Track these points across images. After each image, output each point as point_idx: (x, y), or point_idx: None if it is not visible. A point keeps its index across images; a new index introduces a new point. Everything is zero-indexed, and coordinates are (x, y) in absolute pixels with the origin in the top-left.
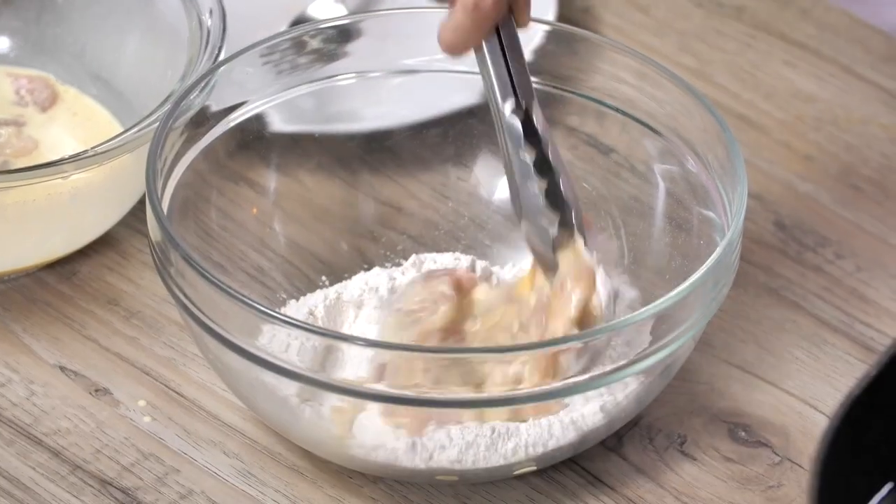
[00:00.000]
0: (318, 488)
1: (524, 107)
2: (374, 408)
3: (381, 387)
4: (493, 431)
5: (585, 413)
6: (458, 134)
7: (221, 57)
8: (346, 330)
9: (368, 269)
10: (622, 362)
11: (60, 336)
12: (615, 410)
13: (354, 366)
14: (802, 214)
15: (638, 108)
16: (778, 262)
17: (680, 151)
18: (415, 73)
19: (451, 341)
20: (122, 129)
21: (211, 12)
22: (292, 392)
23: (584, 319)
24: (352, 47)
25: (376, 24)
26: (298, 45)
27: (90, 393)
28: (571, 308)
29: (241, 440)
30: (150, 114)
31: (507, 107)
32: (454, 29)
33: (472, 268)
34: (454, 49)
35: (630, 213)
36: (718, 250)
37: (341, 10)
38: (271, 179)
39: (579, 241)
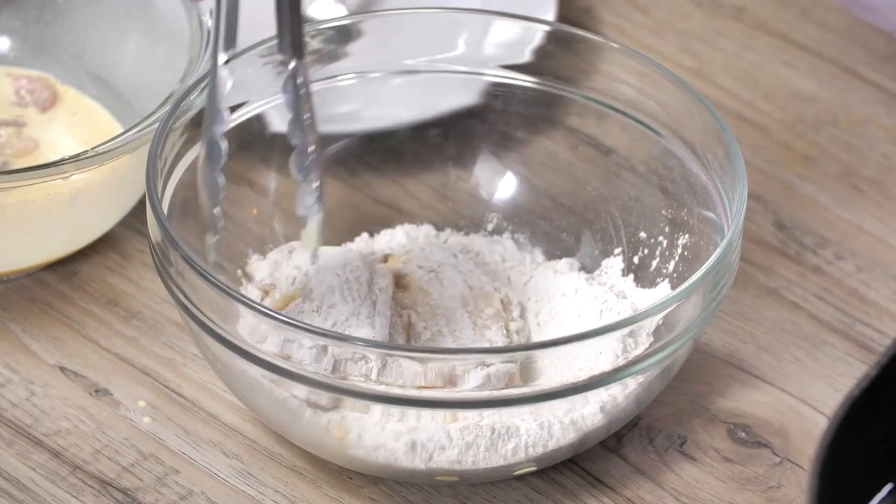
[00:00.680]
0: (317, 489)
1: (293, 61)
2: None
3: (381, 387)
4: (493, 432)
5: (585, 413)
6: (459, 134)
7: None
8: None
9: None
10: (622, 363)
11: (60, 336)
12: (615, 411)
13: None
14: (802, 215)
15: (638, 108)
16: (778, 263)
17: (680, 152)
18: (415, 73)
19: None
20: (122, 130)
21: (211, 13)
22: (292, 393)
23: None
24: (352, 48)
25: (376, 24)
26: None
27: (90, 393)
28: None
29: (241, 441)
30: (151, 114)
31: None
32: None
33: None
34: None
35: (630, 213)
36: (718, 251)
37: (341, 11)
38: (271, 180)
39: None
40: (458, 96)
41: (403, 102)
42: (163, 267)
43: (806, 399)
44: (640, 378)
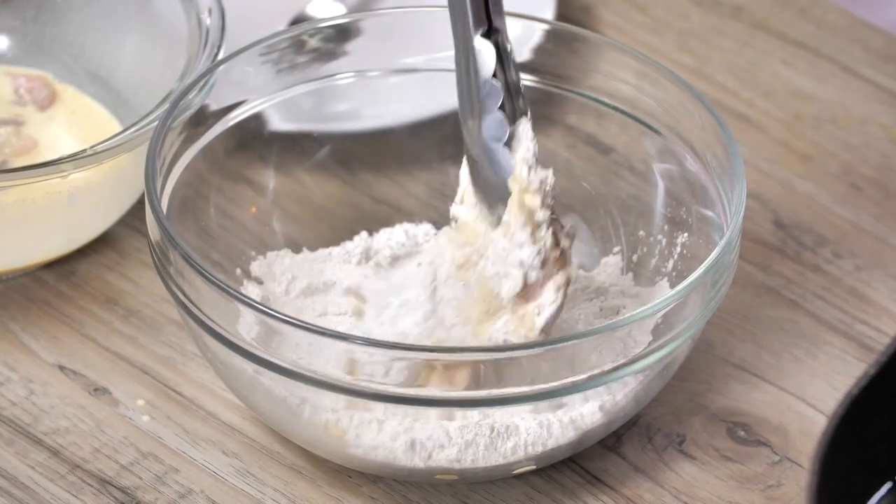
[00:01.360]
0: (317, 487)
1: (499, 26)
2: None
3: (381, 386)
4: (493, 431)
5: (584, 412)
6: (458, 133)
7: (220, 56)
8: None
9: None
10: (621, 361)
11: (59, 335)
12: (614, 410)
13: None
14: (801, 214)
15: (637, 107)
16: (777, 262)
17: (679, 150)
18: (414, 71)
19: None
20: (121, 129)
21: (210, 11)
22: (291, 391)
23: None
24: (351, 46)
25: (375, 23)
26: (297, 44)
27: (89, 392)
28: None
29: (240, 439)
30: (149, 113)
31: (480, 29)
32: None
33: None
34: None
35: (629, 212)
36: (717, 249)
37: (340, 9)
38: (270, 178)
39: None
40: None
41: (402, 101)
42: (162, 266)
43: (805, 398)
44: (640, 377)
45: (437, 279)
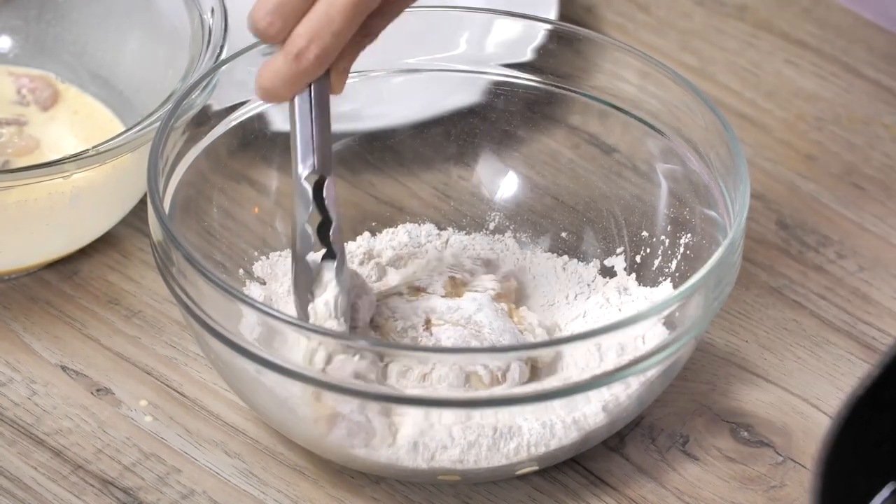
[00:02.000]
0: (319, 488)
1: (319, 176)
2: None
3: (381, 387)
4: (496, 431)
5: (587, 413)
6: (460, 133)
7: (223, 56)
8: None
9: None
10: (624, 362)
11: (62, 335)
12: (617, 410)
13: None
14: (804, 214)
15: (640, 107)
16: (780, 262)
17: (682, 151)
18: (417, 72)
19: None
20: (123, 128)
21: (213, 11)
22: (294, 392)
23: None
24: None
25: None
26: None
27: (91, 392)
28: None
29: (243, 440)
30: (152, 113)
31: (304, 170)
32: (272, 74)
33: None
34: (267, 95)
35: (632, 212)
36: (720, 250)
37: None
38: (273, 179)
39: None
40: (459, 95)
41: (405, 101)
42: (164, 266)
43: (808, 398)
44: (643, 377)
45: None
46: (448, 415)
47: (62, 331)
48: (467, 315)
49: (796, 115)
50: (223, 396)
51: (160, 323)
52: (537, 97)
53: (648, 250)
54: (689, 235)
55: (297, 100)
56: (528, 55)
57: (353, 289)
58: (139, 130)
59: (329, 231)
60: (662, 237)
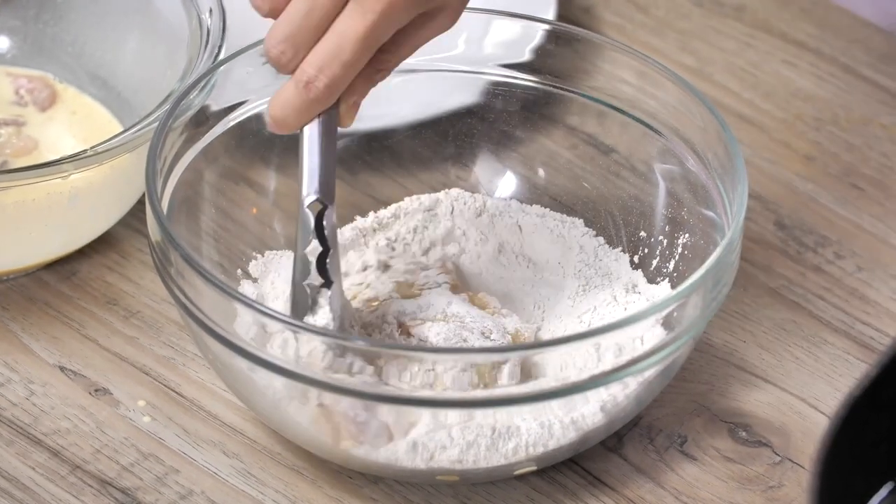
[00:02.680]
0: (317, 488)
1: (322, 206)
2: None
3: (380, 388)
4: (494, 431)
5: (585, 413)
6: (458, 133)
7: (221, 56)
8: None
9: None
10: (622, 362)
11: (60, 336)
12: (615, 410)
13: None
14: (802, 214)
15: (638, 107)
16: (778, 262)
17: (680, 151)
18: (414, 72)
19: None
20: (121, 129)
21: (211, 12)
22: (292, 392)
23: None
24: None
25: None
26: None
27: (90, 393)
28: None
29: (241, 440)
30: (150, 113)
31: (308, 198)
32: (283, 103)
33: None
34: (277, 125)
35: (630, 212)
36: (718, 250)
37: None
38: (271, 179)
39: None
40: (457, 95)
41: (403, 102)
42: (162, 266)
43: (806, 398)
44: (641, 377)
45: None
46: (447, 415)
47: (60, 331)
48: (441, 309)
49: (794, 116)
50: (221, 397)
51: (158, 323)
52: (535, 97)
53: (646, 250)
54: (686, 235)
55: (306, 129)
56: (526, 55)
57: (347, 319)
58: (137, 131)
59: (326, 260)
60: (660, 237)
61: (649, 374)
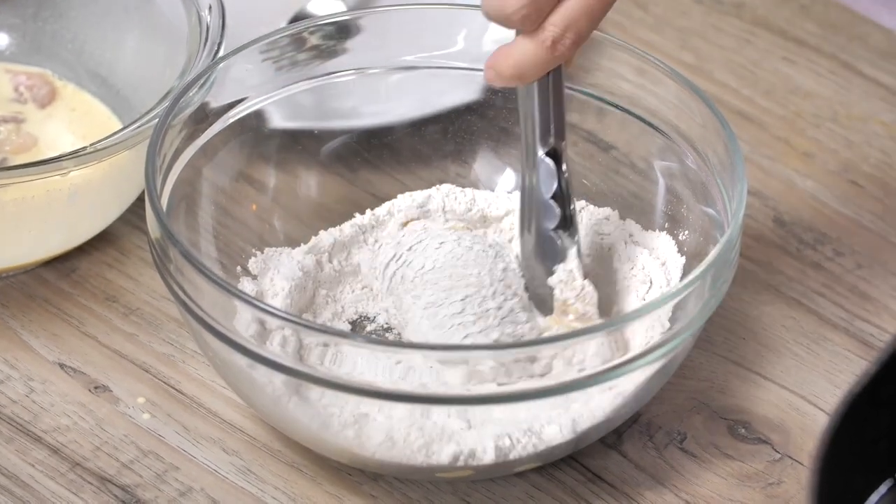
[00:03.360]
0: (317, 485)
1: (558, 148)
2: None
3: (379, 383)
4: (494, 428)
5: (585, 410)
6: (458, 130)
7: (221, 53)
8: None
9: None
10: (622, 359)
11: (59, 333)
12: (615, 407)
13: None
14: (802, 211)
15: (638, 104)
16: (777, 259)
17: (680, 148)
18: (414, 69)
19: None
20: (121, 126)
21: (210, 9)
22: (291, 388)
23: None
24: (351, 44)
25: (375, 20)
26: (298, 42)
27: (89, 390)
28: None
29: (241, 437)
30: (150, 110)
31: (543, 148)
32: (520, 59)
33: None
34: (513, 79)
35: (630, 209)
36: (718, 247)
37: (340, 7)
38: (270, 176)
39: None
40: (457, 92)
41: (402, 99)
42: (162, 263)
43: (806, 395)
44: (640, 374)
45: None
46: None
47: (60, 328)
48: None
49: (794, 113)
50: (221, 394)
51: (158, 320)
52: None
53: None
54: (686, 232)
55: (536, 83)
56: None
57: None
58: (137, 128)
59: (564, 201)
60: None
61: (649, 371)
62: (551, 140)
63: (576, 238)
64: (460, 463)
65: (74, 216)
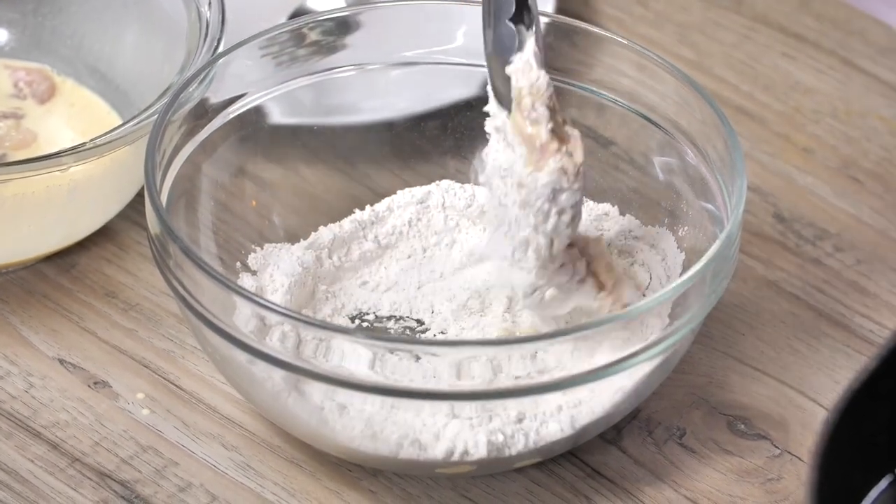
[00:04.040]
0: (316, 481)
1: None
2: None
3: (378, 379)
4: (493, 424)
5: (584, 406)
6: (457, 126)
7: (220, 49)
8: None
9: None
10: (621, 355)
11: (59, 328)
12: (614, 403)
13: (354, 357)
14: (802, 207)
15: (637, 100)
16: (777, 255)
17: (679, 144)
18: (414, 65)
19: None
20: (120, 122)
21: (210, 4)
22: (291, 384)
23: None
24: (351, 39)
25: (375, 16)
26: (297, 38)
27: (89, 385)
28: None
29: (240, 433)
30: (149, 106)
31: None
32: None
33: None
34: None
35: (630, 205)
36: (718, 243)
37: (340, 2)
38: (270, 172)
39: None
40: (456, 88)
41: (402, 94)
42: (161, 259)
43: (805, 391)
44: (640, 370)
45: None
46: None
47: (59, 324)
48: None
49: (793, 109)
50: (220, 389)
51: (157, 316)
52: None
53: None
54: (685, 228)
55: None
56: None
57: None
58: (136, 124)
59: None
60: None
61: (648, 366)
62: None
63: (533, 29)
64: (459, 459)
65: (74, 212)
